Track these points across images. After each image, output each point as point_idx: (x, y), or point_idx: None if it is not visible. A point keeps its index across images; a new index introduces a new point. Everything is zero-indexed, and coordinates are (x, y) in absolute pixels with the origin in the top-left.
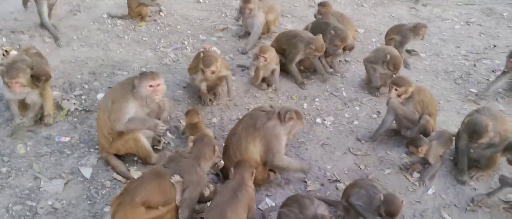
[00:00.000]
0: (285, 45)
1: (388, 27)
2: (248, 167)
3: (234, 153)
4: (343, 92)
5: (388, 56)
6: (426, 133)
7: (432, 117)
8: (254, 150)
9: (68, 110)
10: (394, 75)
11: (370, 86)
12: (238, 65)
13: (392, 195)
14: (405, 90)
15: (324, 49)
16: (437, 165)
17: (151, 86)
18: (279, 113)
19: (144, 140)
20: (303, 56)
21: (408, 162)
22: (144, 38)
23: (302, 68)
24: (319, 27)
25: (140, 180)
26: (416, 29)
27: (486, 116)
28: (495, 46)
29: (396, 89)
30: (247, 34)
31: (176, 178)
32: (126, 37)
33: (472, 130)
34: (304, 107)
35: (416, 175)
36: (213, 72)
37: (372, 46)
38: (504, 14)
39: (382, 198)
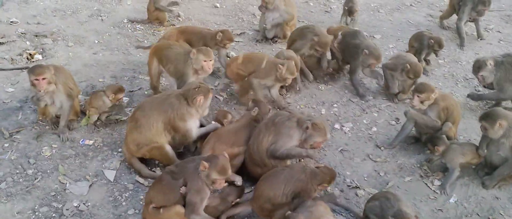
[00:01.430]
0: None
1: (405, 33)
2: (264, 106)
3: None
4: (361, 99)
5: (408, 65)
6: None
7: (455, 124)
8: (267, 143)
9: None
10: (415, 82)
11: (388, 93)
12: None
13: (402, 212)
14: (427, 96)
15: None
16: (455, 172)
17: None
18: (299, 118)
19: (168, 148)
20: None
21: (428, 169)
22: None
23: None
24: (348, 49)
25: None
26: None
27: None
28: None
29: (418, 96)
30: (264, 38)
31: (183, 188)
32: (145, 41)
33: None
34: (322, 112)
35: (437, 183)
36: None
37: (389, 52)
38: None
39: (392, 214)
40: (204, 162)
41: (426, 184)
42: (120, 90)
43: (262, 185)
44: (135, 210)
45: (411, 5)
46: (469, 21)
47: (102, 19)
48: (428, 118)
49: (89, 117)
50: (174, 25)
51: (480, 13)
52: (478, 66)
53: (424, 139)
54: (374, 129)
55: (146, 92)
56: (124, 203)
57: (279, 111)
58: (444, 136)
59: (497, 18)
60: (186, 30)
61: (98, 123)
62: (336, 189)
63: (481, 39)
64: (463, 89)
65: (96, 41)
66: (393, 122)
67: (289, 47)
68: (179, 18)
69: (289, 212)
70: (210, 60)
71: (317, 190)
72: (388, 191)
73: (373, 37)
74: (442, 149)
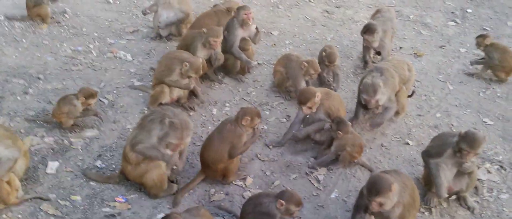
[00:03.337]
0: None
1: (302, 29)
2: (246, 113)
3: None
4: (254, 97)
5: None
6: None
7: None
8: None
9: None
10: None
11: (281, 90)
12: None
13: None
14: (312, 103)
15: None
16: (331, 156)
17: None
18: (164, 114)
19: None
20: None
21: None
22: (44, 42)
23: None
24: None
25: None
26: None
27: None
28: (401, 47)
29: (307, 106)
30: (159, 36)
31: None
32: (24, 40)
33: None
34: (214, 113)
35: (321, 178)
36: None
37: (285, 49)
38: (410, 16)
39: None
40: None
41: (310, 181)
42: (93, 95)
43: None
44: None
45: (309, 0)
46: None
47: None
48: (318, 122)
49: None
50: (59, 22)
51: None
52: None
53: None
54: (265, 127)
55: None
56: None
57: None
58: (349, 123)
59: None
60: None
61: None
62: (221, 192)
63: None
64: (352, 84)
65: None
66: (284, 120)
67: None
68: (66, 15)
69: None
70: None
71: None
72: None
73: (271, 33)
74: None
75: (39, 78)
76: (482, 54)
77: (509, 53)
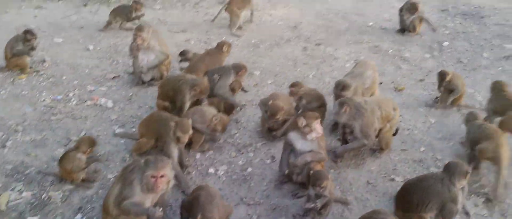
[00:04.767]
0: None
1: (284, 68)
2: None
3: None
4: (237, 138)
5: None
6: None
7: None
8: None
9: None
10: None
11: (264, 130)
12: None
13: None
14: (317, 120)
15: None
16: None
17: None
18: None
19: None
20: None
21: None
22: (23, 92)
23: None
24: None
25: None
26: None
27: None
28: (381, 82)
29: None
30: (141, 81)
31: None
32: (2, 91)
33: None
34: (197, 157)
35: None
36: None
37: (267, 88)
38: (389, 51)
39: None
40: None
41: None
42: (93, 142)
43: None
44: None
45: (289, 40)
46: None
47: None
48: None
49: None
50: (38, 71)
51: None
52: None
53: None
54: (249, 170)
55: None
56: None
57: None
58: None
59: (367, 50)
60: None
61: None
62: None
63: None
64: None
65: None
66: (268, 161)
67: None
68: (45, 64)
69: None
70: None
71: None
72: None
73: (253, 73)
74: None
75: (17, 130)
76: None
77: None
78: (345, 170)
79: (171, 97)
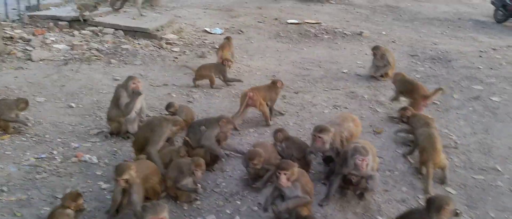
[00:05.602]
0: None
1: None
2: None
3: None
4: (224, 188)
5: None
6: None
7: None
8: None
9: None
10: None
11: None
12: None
13: None
14: (292, 172)
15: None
16: None
17: None
18: None
19: None
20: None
21: None
22: (6, 152)
23: None
24: None
25: None
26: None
27: None
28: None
29: (284, 174)
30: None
31: None
32: None
33: None
34: (185, 208)
35: None
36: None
37: (250, 137)
38: (365, 96)
39: None
40: None
41: None
42: (79, 196)
43: None
44: None
45: None
46: None
47: None
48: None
49: None
50: (21, 131)
51: None
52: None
53: None
54: (237, 218)
55: None
56: None
57: None
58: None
59: (343, 96)
60: None
61: None
62: None
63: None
64: (318, 166)
65: None
66: (256, 208)
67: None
68: (28, 123)
69: None
70: None
71: None
72: None
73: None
74: None
75: (2, 191)
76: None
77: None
78: (331, 213)
79: (147, 139)
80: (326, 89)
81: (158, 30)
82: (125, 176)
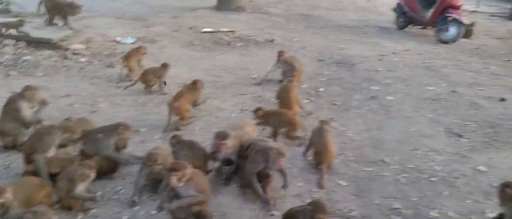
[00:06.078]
0: None
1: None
2: None
3: None
4: (123, 194)
5: None
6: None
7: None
8: None
9: None
10: None
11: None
12: None
13: None
14: (183, 173)
15: None
16: None
17: None
18: None
19: None
20: None
21: None
22: None
23: None
24: None
25: None
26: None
27: None
28: (263, 129)
29: (175, 174)
30: None
31: None
32: None
33: None
34: (79, 217)
35: None
36: None
37: (154, 144)
38: (272, 99)
39: None
40: None
41: None
42: None
43: None
44: None
45: None
46: None
47: None
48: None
49: None
50: None
51: None
52: None
53: None
54: None
55: None
56: None
57: None
58: None
59: (250, 100)
60: None
61: None
62: None
63: None
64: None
65: None
66: (154, 212)
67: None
68: None
69: None
70: None
71: None
72: None
73: (139, 130)
74: None
75: None
76: None
77: None
78: (230, 210)
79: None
80: (235, 94)
81: (64, 40)
82: (0, 200)
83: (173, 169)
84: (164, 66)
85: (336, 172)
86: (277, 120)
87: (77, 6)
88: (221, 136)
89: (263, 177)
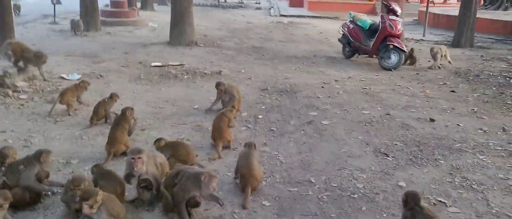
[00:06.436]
0: None
1: (103, 154)
2: None
3: None
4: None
5: None
6: None
7: None
8: None
9: None
10: None
11: None
12: None
13: None
14: (93, 201)
15: None
16: None
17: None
18: None
19: None
20: None
21: None
22: None
23: None
24: None
25: None
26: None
27: None
28: (197, 155)
29: (86, 203)
30: None
31: None
32: None
33: None
34: None
35: None
36: None
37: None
38: (209, 128)
39: None
40: None
41: None
42: None
43: None
44: None
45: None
46: None
47: None
48: None
49: None
50: None
51: None
52: None
53: None
54: None
55: None
56: None
57: None
58: None
59: (189, 129)
60: None
61: None
62: None
63: None
64: None
65: None
66: None
67: None
68: None
69: None
70: None
71: None
72: None
73: (70, 162)
74: None
75: None
76: None
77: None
78: None
79: None
80: (174, 124)
81: (6, 78)
82: None
83: (83, 198)
84: (111, 97)
85: (262, 193)
86: (175, 152)
87: (43, 55)
88: (135, 151)
89: (192, 206)
